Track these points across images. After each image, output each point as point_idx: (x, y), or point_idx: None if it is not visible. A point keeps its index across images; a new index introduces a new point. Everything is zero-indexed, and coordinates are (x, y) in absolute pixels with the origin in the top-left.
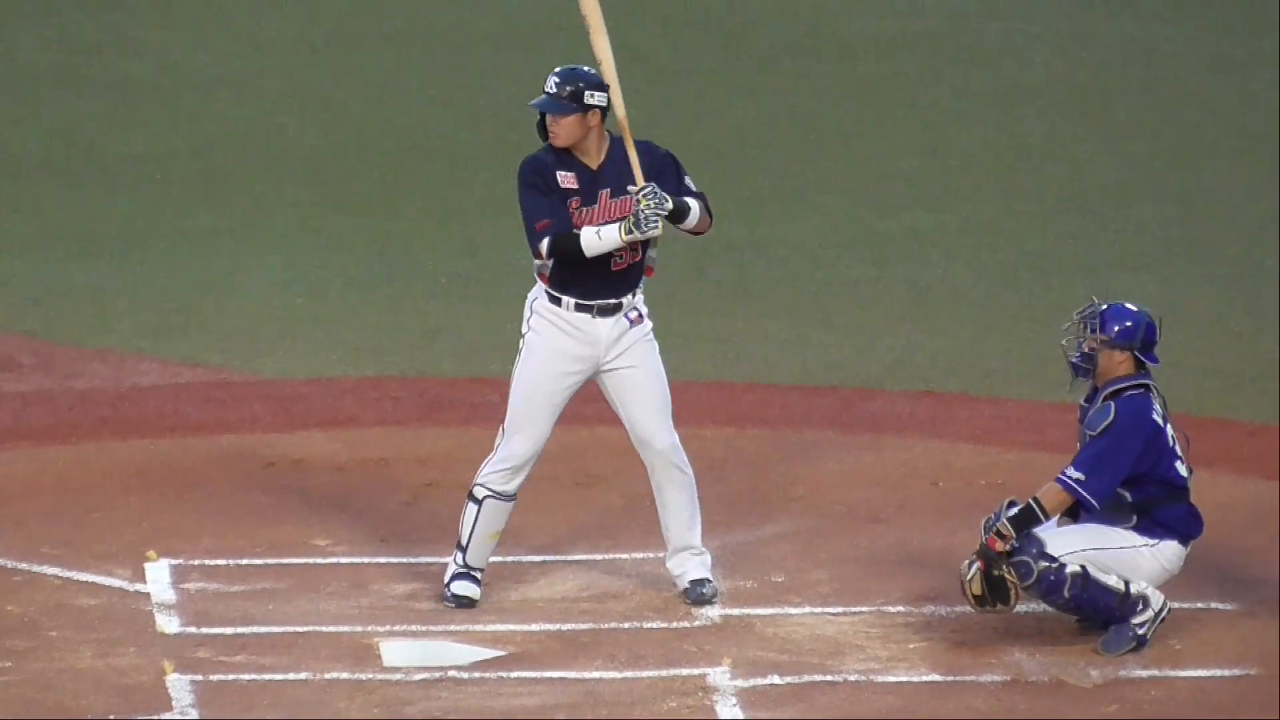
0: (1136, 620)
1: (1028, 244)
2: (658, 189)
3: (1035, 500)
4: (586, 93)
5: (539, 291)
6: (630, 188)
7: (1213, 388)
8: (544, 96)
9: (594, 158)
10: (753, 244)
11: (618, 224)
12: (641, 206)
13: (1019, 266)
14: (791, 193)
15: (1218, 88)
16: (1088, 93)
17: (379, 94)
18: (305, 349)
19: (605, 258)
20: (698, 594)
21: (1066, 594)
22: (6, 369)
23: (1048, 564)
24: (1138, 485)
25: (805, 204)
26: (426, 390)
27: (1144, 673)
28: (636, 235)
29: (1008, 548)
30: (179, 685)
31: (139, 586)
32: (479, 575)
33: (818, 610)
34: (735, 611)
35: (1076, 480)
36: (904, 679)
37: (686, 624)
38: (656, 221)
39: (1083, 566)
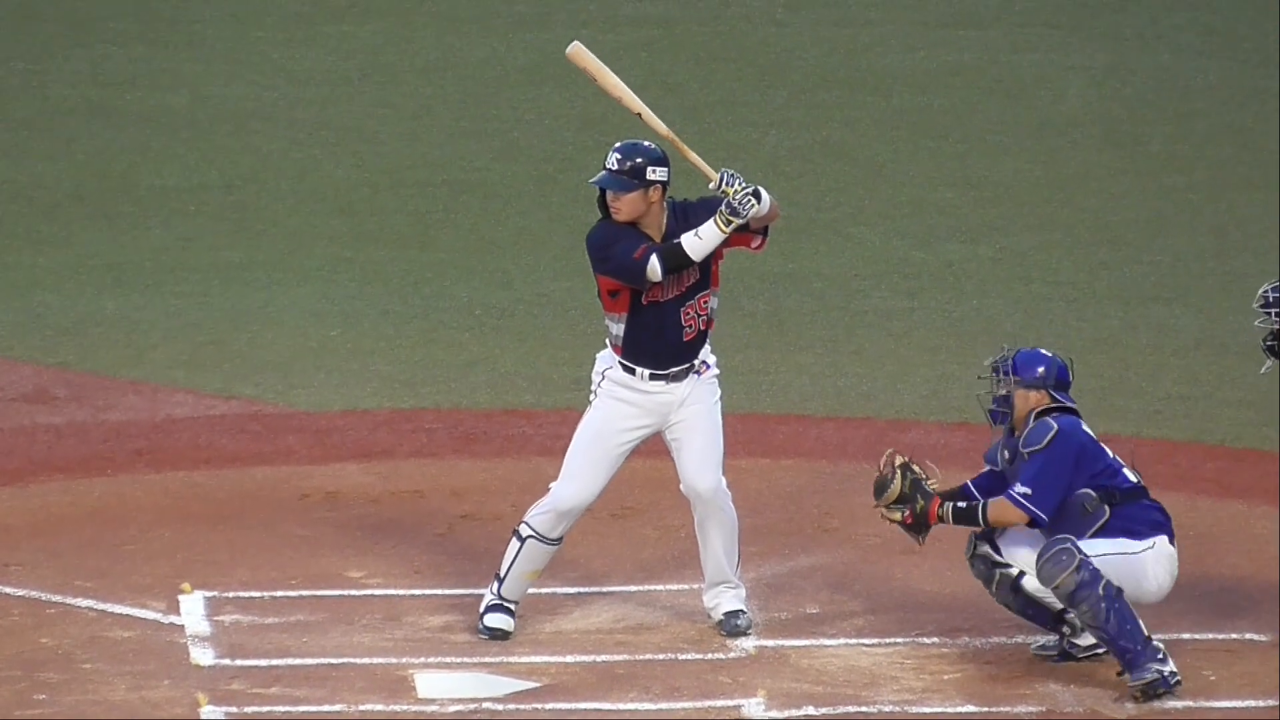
0: (1157, 664)
1: (1062, 275)
2: (734, 172)
3: (983, 507)
4: (648, 169)
5: (611, 360)
6: (710, 185)
7: (1249, 419)
8: (605, 173)
9: (655, 231)
10: (787, 276)
11: (711, 220)
12: (730, 195)
13: (1053, 298)
14: (825, 224)
15: (1251, 120)
16: (1122, 125)
17: (412, 127)
18: (339, 381)
19: (676, 326)
20: (732, 626)
21: (1101, 593)
22: (41, 401)
23: (1086, 557)
24: (1100, 486)
25: (839, 235)
26: (461, 422)
27: (1179, 704)
28: (738, 220)
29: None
30: (213, 717)
31: (173, 619)
32: (514, 608)
33: (852, 642)
34: (770, 643)
35: (1024, 495)
36: (939, 710)
37: (721, 656)
38: (751, 201)
39: (1118, 586)
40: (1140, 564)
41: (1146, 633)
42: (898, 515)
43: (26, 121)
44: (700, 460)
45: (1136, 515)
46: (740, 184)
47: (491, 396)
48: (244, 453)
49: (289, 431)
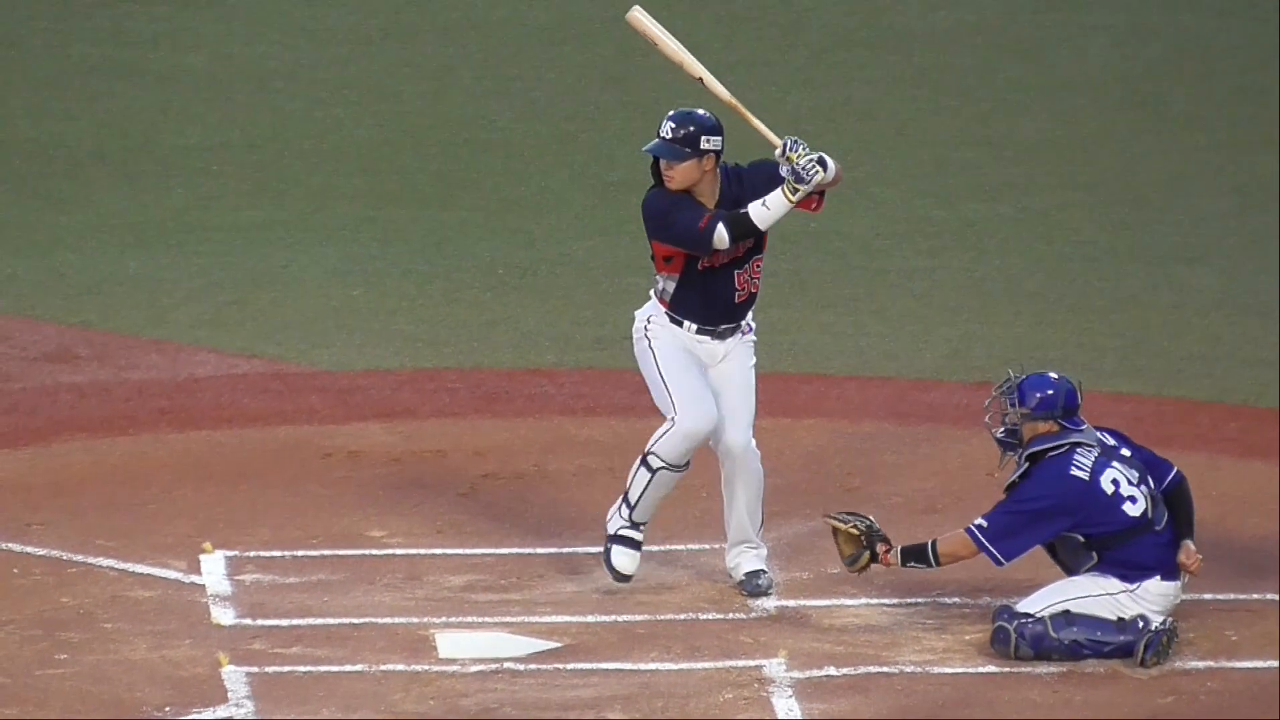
0: (1141, 634)
1: (1083, 235)
2: (797, 138)
3: (932, 542)
4: (702, 138)
5: (656, 310)
6: (775, 154)
7: (1270, 379)
8: (658, 141)
9: (709, 198)
10: (808, 235)
11: (779, 189)
12: (795, 162)
13: (1075, 257)
14: (847, 184)
15: (1273, 80)
16: (1143, 84)
17: (434, 86)
18: (362, 340)
19: (729, 289)
20: (754, 585)
21: (1056, 634)
22: (63, 360)
23: (1021, 620)
24: (1086, 535)
25: (861, 195)
26: (483, 382)
27: (1200, 664)
28: (804, 189)
29: (885, 562)
30: (234, 677)
31: (194, 578)
32: (641, 541)
33: (873, 601)
34: (791, 603)
35: (979, 527)
36: (960, 670)
37: (742, 616)
38: (816, 169)
39: (1064, 610)
40: (1115, 604)
41: (1114, 616)
42: (866, 559)
43: (48, 81)
44: (734, 416)
45: (1131, 556)
46: (804, 150)
47: (514, 356)
48: (266, 412)
49: (311, 391)
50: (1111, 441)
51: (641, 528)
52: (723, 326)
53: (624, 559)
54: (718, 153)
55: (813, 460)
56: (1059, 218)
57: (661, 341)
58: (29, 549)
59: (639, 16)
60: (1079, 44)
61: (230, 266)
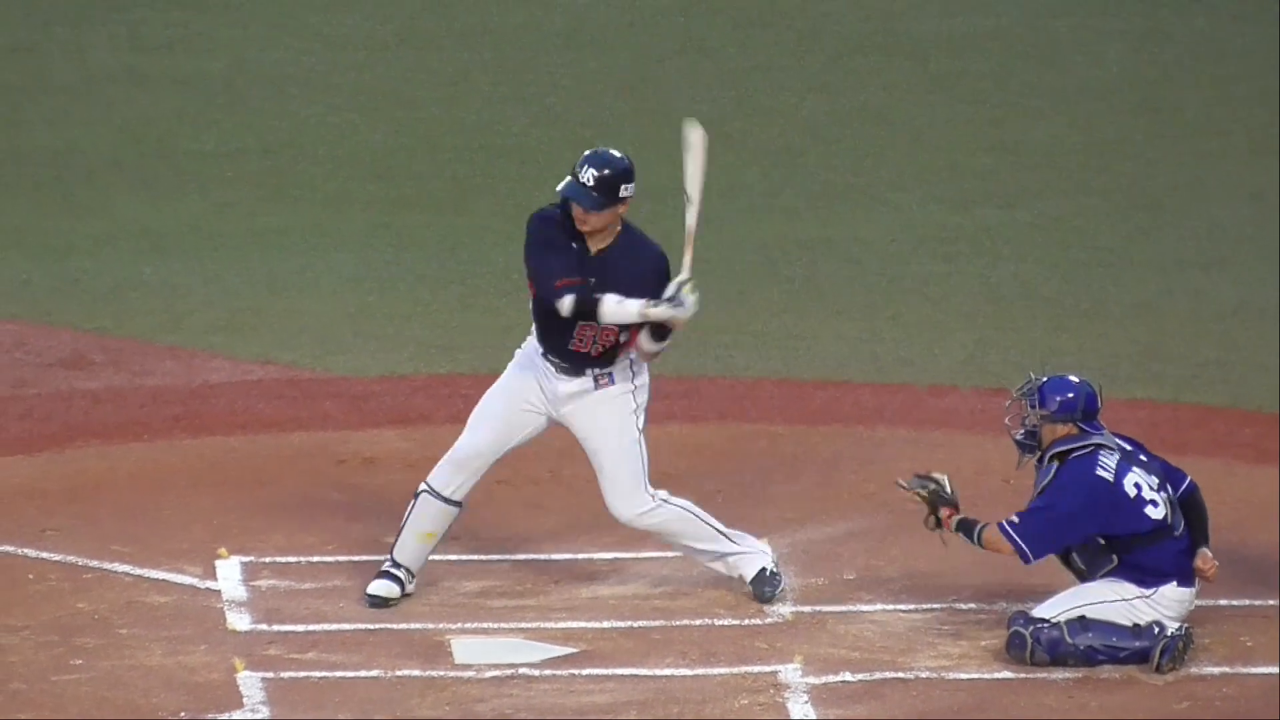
0: (1158, 639)
1: (1099, 241)
2: (696, 287)
3: (981, 527)
4: (621, 186)
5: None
6: (680, 277)
7: None
8: (575, 183)
9: (598, 242)
10: (824, 241)
11: (644, 300)
12: (680, 292)
13: (1090, 263)
14: (863, 190)
15: None
16: (1159, 90)
17: (450, 92)
18: (376, 346)
19: (566, 335)
20: (761, 592)
21: (1072, 640)
22: (78, 367)
23: (1037, 625)
24: (1109, 536)
25: (876, 201)
26: None
27: (1215, 670)
28: (662, 308)
29: (945, 525)
30: (250, 683)
31: (210, 584)
32: (402, 575)
33: (889, 607)
34: (807, 609)
35: (1010, 523)
36: (976, 676)
37: (758, 621)
38: (686, 305)
39: (1080, 616)
40: (1131, 610)
41: (1130, 622)
42: (932, 521)
43: (64, 87)
44: (610, 487)
45: (1149, 560)
46: (692, 289)
47: None
48: (281, 418)
49: (326, 397)
50: (1129, 447)
51: (401, 569)
52: (559, 363)
53: (378, 584)
54: (631, 198)
55: (828, 466)
56: (1074, 223)
57: (513, 364)
58: (44, 554)
59: (699, 137)
60: (1095, 49)
61: (245, 272)
